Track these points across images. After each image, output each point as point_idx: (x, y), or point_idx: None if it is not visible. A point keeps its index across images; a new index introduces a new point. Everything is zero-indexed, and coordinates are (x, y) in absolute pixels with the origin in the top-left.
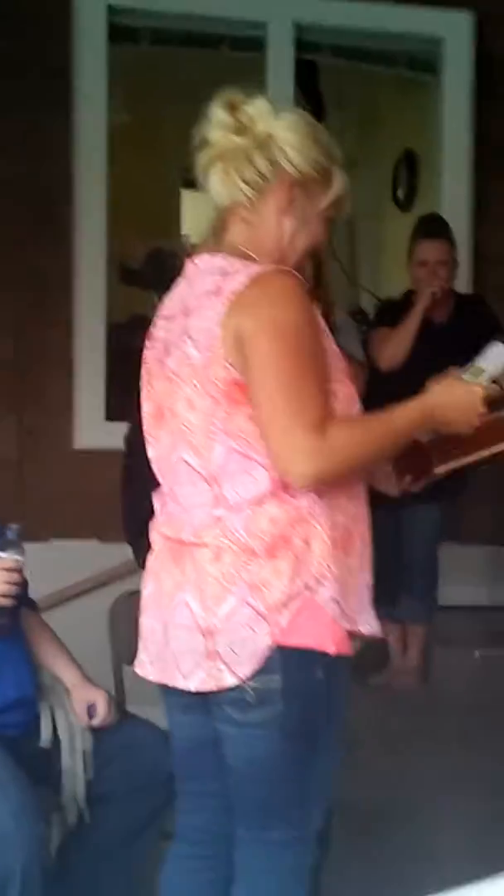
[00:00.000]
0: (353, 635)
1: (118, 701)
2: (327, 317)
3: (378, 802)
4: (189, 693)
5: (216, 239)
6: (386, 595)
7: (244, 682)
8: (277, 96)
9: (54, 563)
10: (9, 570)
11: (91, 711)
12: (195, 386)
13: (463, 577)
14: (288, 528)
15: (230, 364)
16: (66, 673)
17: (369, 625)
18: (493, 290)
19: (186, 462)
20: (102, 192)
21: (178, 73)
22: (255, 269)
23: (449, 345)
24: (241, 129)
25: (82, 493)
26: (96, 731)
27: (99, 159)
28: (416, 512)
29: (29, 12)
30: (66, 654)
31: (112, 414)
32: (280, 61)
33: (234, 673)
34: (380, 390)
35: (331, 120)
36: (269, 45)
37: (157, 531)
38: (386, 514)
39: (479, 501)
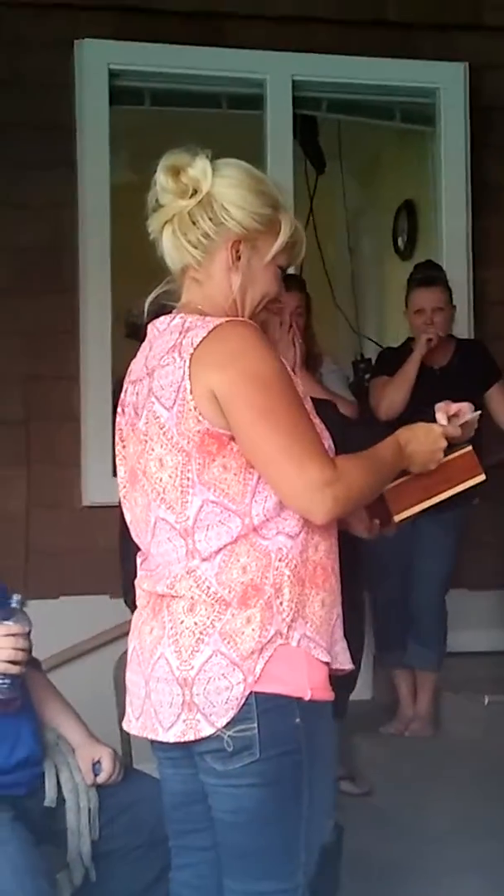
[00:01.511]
0: (331, 678)
1: (124, 758)
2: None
3: (392, 851)
4: (175, 746)
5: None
6: (395, 643)
7: (221, 731)
8: (277, 151)
9: (63, 620)
10: (16, 636)
11: (96, 769)
12: (164, 444)
13: (471, 623)
14: (258, 576)
15: (201, 416)
16: (71, 731)
17: (341, 659)
18: (494, 331)
19: (164, 520)
20: (106, 248)
21: (180, 131)
22: (210, 322)
23: (449, 389)
24: (184, 192)
25: (91, 549)
26: (102, 789)
27: (102, 217)
28: (424, 562)
29: (33, 73)
30: (71, 713)
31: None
32: (279, 117)
33: (210, 723)
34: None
35: (331, 172)
36: (267, 101)
37: (139, 587)
38: (394, 564)
39: (484, 547)
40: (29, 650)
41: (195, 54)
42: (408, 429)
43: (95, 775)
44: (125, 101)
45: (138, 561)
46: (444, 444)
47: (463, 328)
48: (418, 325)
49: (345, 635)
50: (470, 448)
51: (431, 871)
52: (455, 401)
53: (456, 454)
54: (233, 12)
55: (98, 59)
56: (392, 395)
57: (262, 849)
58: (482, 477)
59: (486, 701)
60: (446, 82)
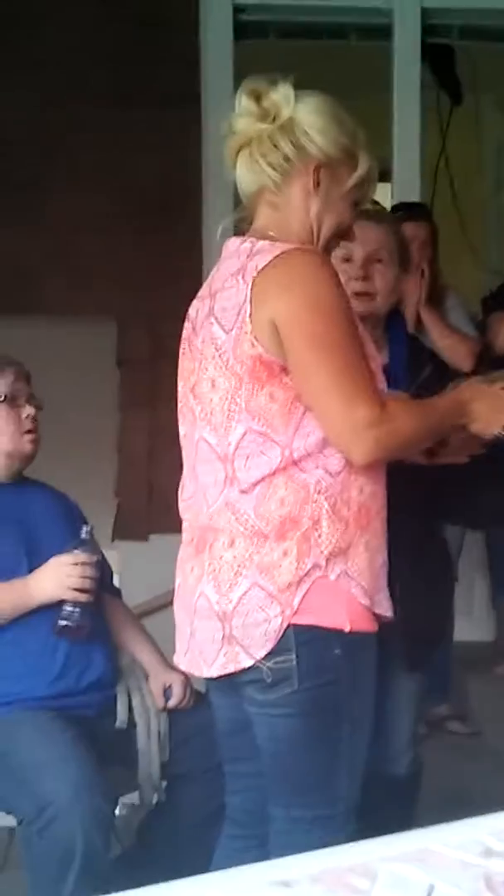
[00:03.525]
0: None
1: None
2: (440, 299)
3: (495, 789)
4: (220, 677)
5: (248, 225)
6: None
7: (260, 662)
8: (404, 82)
9: None
10: (83, 564)
11: (168, 694)
12: (219, 365)
13: None
14: (296, 509)
15: (257, 341)
16: (145, 656)
17: (384, 605)
18: None
19: (206, 441)
20: (230, 187)
21: (307, 65)
22: (279, 247)
23: None
24: (265, 116)
25: None
26: (173, 714)
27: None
28: None
29: (158, 8)
30: (147, 639)
31: None
32: (407, 46)
33: (250, 654)
34: None
35: (468, 104)
36: (395, 31)
37: (184, 518)
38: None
39: None
40: (98, 578)
41: None
42: (475, 387)
43: (167, 700)
44: (249, 35)
45: (180, 490)
46: None
47: None
48: None
49: (431, 581)
50: None
51: None
52: None
53: None
54: None
55: None
56: None
57: (302, 776)
58: None
59: None
60: None
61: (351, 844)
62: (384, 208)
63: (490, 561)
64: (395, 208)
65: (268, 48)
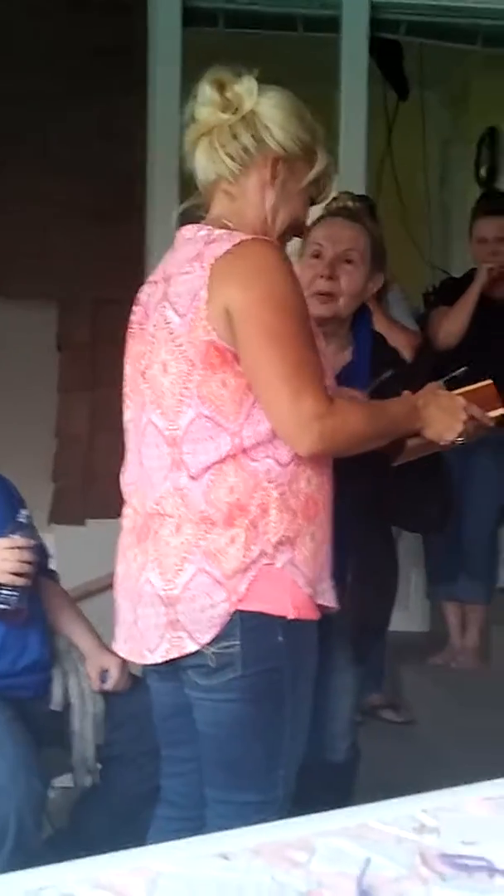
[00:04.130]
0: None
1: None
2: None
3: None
4: (162, 662)
5: (203, 213)
6: (445, 575)
7: (204, 647)
8: (352, 75)
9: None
10: (21, 549)
11: (104, 677)
12: (171, 349)
13: None
14: (245, 497)
15: (212, 328)
16: (82, 639)
17: (326, 596)
18: None
19: (154, 424)
20: (175, 176)
21: (253, 54)
22: (237, 236)
23: None
24: (227, 107)
25: None
26: (109, 696)
27: (172, 142)
28: (474, 494)
29: None
30: (84, 622)
31: None
32: (355, 40)
33: (194, 639)
34: (441, 369)
35: (414, 100)
36: (344, 24)
37: (127, 502)
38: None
39: None
40: (35, 562)
41: None
42: (432, 393)
43: (103, 683)
44: (198, 22)
45: (122, 474)
46: (464, 416)
47: None
48: (480, 254)
49: (379, 576)
50: (490, 381)
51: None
52: None
53: (475, 386)
54: None
55: None
56: (448, 325)
57: (241, 761)
58: (502, 410)
59: None
60: None
61: (290, 820)
62: (363, 206)
63: (426, 554)
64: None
65: (215, 36)
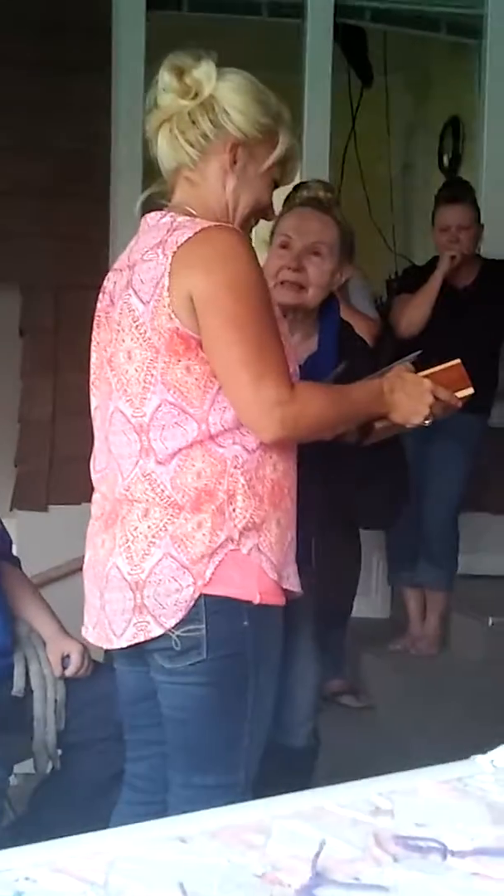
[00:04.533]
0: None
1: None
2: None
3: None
4: (127, 647)
5: (166, 201)
6: (407, 562)
7: (170, 631)
8: (316, 61)
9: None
10: None
11: (66, 662)
12: (136, 337)
13: (495, 547)
14: (213, 482)
15: (175, 315)
16: (43, 625)
17: (291, 581)
18: None
19: (121, 412)
20: (138, 158)
21: (217, 38)
22: (200, 224)
23: (473, 309)
24: (186, 93)
25: None
26: (70, 682)
27: (135, 124)
28: (435, 482)
29: None
30: (45, 607)
31: None
32: (319, 26)
33: (160, 623)
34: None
35: (378, 86)
36: (308, 10)
37: (97, 491)
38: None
39: None
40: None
41: None
42: (399, 377)
43: (64, 668)
44: (162, 5)
45: (92, 462)
46: (430, 400)
47: (501, 250)
48: (442, 242)
49: (342, 563)
50: (458, 361)
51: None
52: (478, 319)
53: (443, 367)
54: None
55: None
56: (411, 313)
57: (204, 745)
58: (471, 390)
59: (491, 622)
60: None
61: (247, 803)
62: (334, 197)
63: (388, 541)
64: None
65: (179, 19)
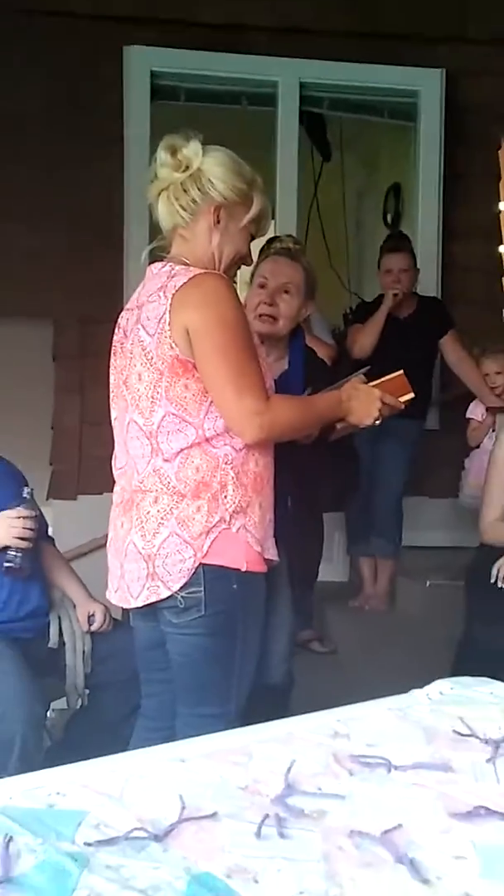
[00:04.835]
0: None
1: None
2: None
3: (345, 692)
4: (143, 606)
5: (166, 253)
6: (361, 536)
7: (175, 593)
8: (286, 141)
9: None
10: (25, 518)
11: (91, 620)
12: (144, 362)
13: (428, 524)
14: (208, 475)
15: (175, 344)
16: (73, 591)
17: (271, 551)
18: (457, 293)
19: (135, 422)
20: (146, 216)
21: (207, 123)
22: (193, 271)
23: (412, 336)
24: (179, 166)
25: None
26: (95, 636)
27: (143, 193)
28: (384, 472)
29: (91, 72)
30: (74, 577)
31: None
32: (288, 113)
33: (168, 587)
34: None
35: (335, 160)
36: (279, 100)
37: (118, 484)
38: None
39: (443, 465)
40: (36, 529)
41: (221, 59)
42: (353, 387)
43: (90, 625)
44: (164, 97)
45: (113, 461)
46: (379, 405)
47: (431, 289)
48: (387, 282)
49: (309, 541)
50: (401, 371)
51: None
52: (417, 344)
53: (389, 377)
54: (252, 24)
55: (142, 63)
56: (362, 339)
57: (204, 683)
58: (412, 394)
59: (427, 584)
60: (426, 86)
61: (233, 731)
62: (301, 248)
63: (346, 519)
64: (272, 240)
65: (178, 108)
